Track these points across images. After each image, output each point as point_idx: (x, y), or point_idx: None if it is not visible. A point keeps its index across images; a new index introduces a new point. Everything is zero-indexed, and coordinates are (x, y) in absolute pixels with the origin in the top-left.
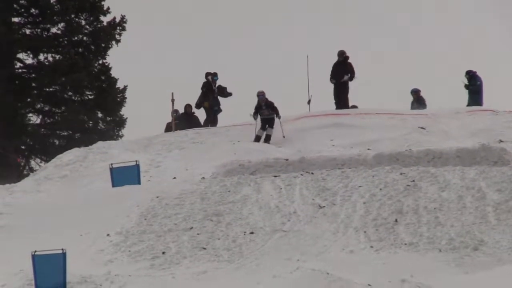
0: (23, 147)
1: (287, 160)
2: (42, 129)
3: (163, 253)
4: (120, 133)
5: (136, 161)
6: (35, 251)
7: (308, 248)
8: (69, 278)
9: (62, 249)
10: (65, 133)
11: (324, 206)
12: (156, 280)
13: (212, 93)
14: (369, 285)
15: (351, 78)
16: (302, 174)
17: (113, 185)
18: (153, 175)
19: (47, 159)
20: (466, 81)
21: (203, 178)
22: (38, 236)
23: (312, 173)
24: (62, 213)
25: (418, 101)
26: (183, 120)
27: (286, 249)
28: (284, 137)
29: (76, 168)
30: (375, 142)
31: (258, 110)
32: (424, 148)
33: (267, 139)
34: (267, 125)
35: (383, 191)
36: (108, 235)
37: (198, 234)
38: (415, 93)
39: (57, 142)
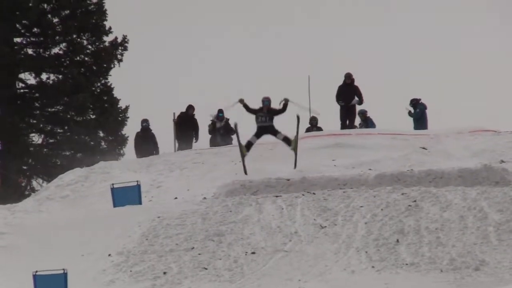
0: (25, 167)
1: (288, 180)
2: (44, 149)
3: (165, 273)
4: (122, 152)
5: (137, 181)
6: (37, 271)
7: (310, 268)
8: None
9: (64, 269)
10: (67, 153)
11: (325, 226)
12: None
13: (218, 134)
14: None
15: (360, 102)
16: (303, 194)
17: (114, 205)
18: (154, 195)
19: (48, 179)
20: (411, 109)
21: (205, 198)
22: (39, 256)
23: (314, 193)
24: (64, 233)
25: (365, 121)
26: (181, 120)
27: (287, 269)
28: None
29: (77, 188)
30: (377, 162)
31: (256, 112)
32: (426, 168)
33: (286, 141)
34: (269, 134)
35: (385, 211)
36: (109, 255)
37: (199, 254)
38: (363, 114)
39: (59, 162)
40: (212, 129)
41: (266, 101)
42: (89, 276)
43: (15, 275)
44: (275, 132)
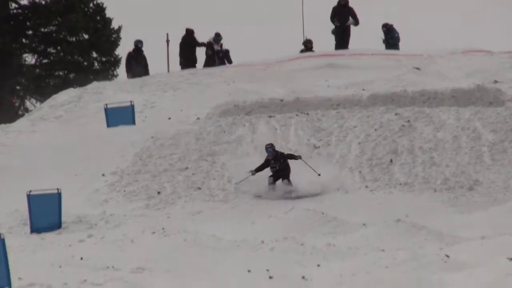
0: (18, 87)
1: (282, 100)
2: (37, 70)
3: (158, 193)
4: (115, 73)
5: (130, 101)
6: (30, 191)
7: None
8: (64, 218)
9: (57, 189)
10: (60, 73)
11: (319, 147)
12: (151, 220)
13: (216, 57)
14: (364, 224)
15: (356, 23)
16: (297, 115)
17: (108, 126)
18: (148, 116)
19: (42, 99)
20: (382, 35)
21: (198, 118)
22: (33, 176)
23: (307, 114)
24: (57, 153)
25: None
26: (185, 41)
27: (282, 189)
28: (319, 175)
29: (71, 108)
30: (370, 83)
31: (265, 166)
32: (419, 89)
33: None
34: (281, 179)
35: (378, 132)
36: (103, 175)
37: (193, 174)
38: None
39: (52, 82)
40: (210, 51)
41: (270, 148)
42: (83, 195)
43: (9, 195)
44: (286, 177)
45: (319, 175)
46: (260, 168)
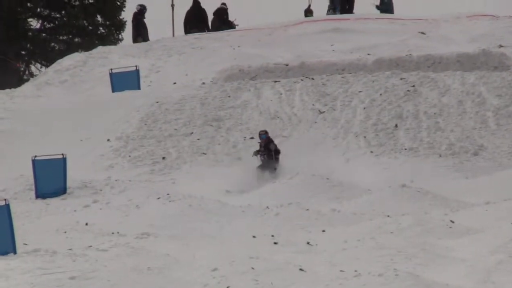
0: (23, 52)
1: (287, 65)
2: (42, 34)
3: (163, 158)
4: (120, 37)
5: (136, 66)
6: (36, 156)
7: (309, 153)
8: (69, 183)
9: (63, 154)
10: (65, 38)
11: (324, 112)
12: (156, 186)
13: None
14: (369, 190)
15: None
16: (302, 79)
17: (113, 90)
18: (153, 80)
19: (47, 64)
20: (377, 2)
21: (203, 83)
22: (38, 141)
23: (312, 78)
24: (62, 118)
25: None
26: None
27: (286, 152)
28: (275, 169)
29: (76, 73)
30: (375, 47)
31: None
32: (425, 53)
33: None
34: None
35: (383, 96)
36: (108, 140)
37: (198, 139)
38: None
39: (57, 47)
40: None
41: (263, 135)
42: (88, 161)
43: (14, 160)
44: (272, 169)
45: (275, 169)
46: (257, 153)
